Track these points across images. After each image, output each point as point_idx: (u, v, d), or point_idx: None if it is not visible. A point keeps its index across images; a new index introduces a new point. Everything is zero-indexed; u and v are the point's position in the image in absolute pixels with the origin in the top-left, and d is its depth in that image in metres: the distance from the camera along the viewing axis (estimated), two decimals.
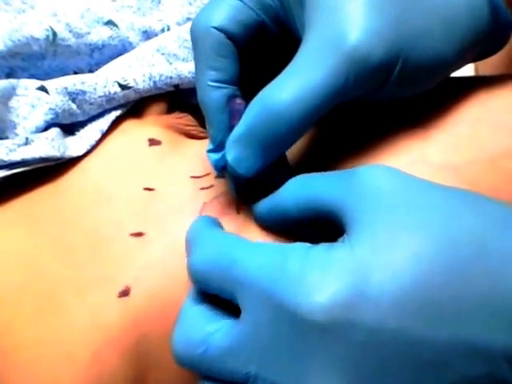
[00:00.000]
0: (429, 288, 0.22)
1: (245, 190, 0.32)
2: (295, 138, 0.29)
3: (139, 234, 0.32)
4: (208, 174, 0.34)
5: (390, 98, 0.30)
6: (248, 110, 0.29)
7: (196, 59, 0.31)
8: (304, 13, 0.29)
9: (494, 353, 0.21)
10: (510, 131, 0.30)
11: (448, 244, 0.23)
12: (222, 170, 0.31)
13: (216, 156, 0.31)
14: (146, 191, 0.34)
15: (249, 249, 0.26)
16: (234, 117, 0.30)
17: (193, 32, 0.31)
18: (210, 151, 0.31)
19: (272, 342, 0.24)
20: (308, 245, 0.25)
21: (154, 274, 0.31)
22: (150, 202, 0.33)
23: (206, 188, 0.34)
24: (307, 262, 0.23)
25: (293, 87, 0.27)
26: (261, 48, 0.32)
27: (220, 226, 0.30)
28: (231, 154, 0.29)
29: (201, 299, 0.28)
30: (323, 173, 0.28)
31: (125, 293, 0.31)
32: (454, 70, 0.31)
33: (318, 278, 0.23)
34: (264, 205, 0.30)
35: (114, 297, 0.31)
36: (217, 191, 0.34)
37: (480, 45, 0.30)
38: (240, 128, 0.29)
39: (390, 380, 0.22)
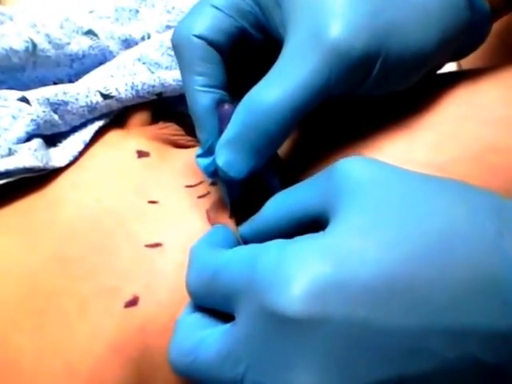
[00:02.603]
0: (398, 275, 0.22)
1: (238, 193, 0.32)
2: (283, 136, 0.29)
3: (156, 245, 0.33)
4: (202, 182, 0.35)
5: (375, 95, 0.31)
6: (236, 112, 0.29)
7: (181, 68, 0.31)
8: (283, 14, 0.29)
9: (471, 335, 0.22)
10: (495, 126, 0.31)
11: (418, 230, 0.23)
12: (212, 175, 0.31)
13: (206, 161, 0.31)
14: (151, 204, 0.34)
15: (230, 255, 0.26)
16: (222, 121, 0.30)
17: (175, 42, 0.31)
18: (199, 156, 0.31)
19: (258, 342, 0.23)
20: (284, 240, 0.25)
21: (167, 283, 0.32)
22: (157, 214, 0.34)
23: (203, 196, 0.34)
24: (282, 256, 0.23)
25: (278, 86, 0.27)
26: (245, 54, 0.33)
27: (228, 233, 0.30)
28: (222, 157, 0.29)
29: (197, 309, 0.28)
30: (299, 183, 0.28)
31: (132, 302, 0.31)
32: (436, 64, 0.31)
33: (290, 271, 0.23)
34: (246, 229, 0.30)
35: (119, 307, 0.31)
36: (213, 197, 0.34)
37: (460, 37, 0.31)
38: (229, 131, 0.29)
39: (372, 370, 0.22)
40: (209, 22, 0.30)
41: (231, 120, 0.29)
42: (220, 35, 0.30)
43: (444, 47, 0.30)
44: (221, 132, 0.30)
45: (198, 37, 0.30)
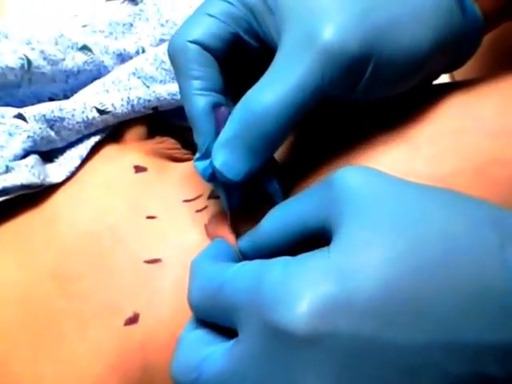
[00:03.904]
0: (402, 290, 0.22)
1: (238, 201, 0.32)
2: (280, 138, 0.29)
3: (155, 261, 0.33)
4: (200, 196, 0.35)
5: (369, 99, 0.31)
6: (232, 114, 0.29)
7: (177, 74, 0.31)
8: (276, 20, 0.29)
9: (475, 349, 0.22)
10: (494, 138, 0.31)
11: (420, 244, 0.23)
12: (210, 178, 0.31)
13: (203, 164, 0.31)
14: (149, 219, 0.34)
15: (235, 271, 0.26)
16: (219, 124, 0.30)
17: (170, 49, 0.31)
18: (197, 160, 0.31)
19: (264, 360, 0.23)
20: (289, 257, 0.25)
21: (167, 299, 0.32)
22: (155, 230, 0.34)
23: (201, 210, 0.34)
24: (286, 274, 0.23)
25: (274, 88, 0.28)
26: (241, 60, 0.33)
27: (228, 247, 0.30)
28: (219, 158, 0.29)
29: (200, 324, 0.28)
30: (297, 195, 0.28)
31: (132, 320, 0.31)
32: (430, 71, 0.31)
33: (296, 289, 0.23)
34: (246, 243, 0.30)
35: (119, 325, 0.31)
36: (212, 211, 0.34)
37: (453, 45, 0.31)
38: (225, 132, 0.29)
39: None
40: (203, 28, 0.30)
41: (228, 121, 0.29)
42: (215, 41, 0.30)
43: (437, 53, 0.30)
44: (217, 135, 0.30)
45: (193, 42, 0.30)
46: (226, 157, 0.28)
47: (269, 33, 0.30)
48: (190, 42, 0.30)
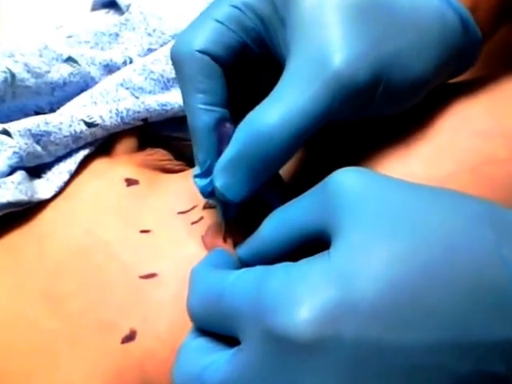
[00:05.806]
0: (405, 291, 0.22)
1: (234, 213, 0.32)
2: (284, 161, 0.28)
3: (151, 276, 0.32)
4: (194, 207, 0.34)
5: (374, 118, 0.31)
6: (236, 134, 0.28)
7: (182, 84, 0.30)
8: (286, 33, 0.29)
9: (480, 347, 0.22)
10: (488, 137, 0.31)
11: (421, 243, 0.23)
12: (209, 195, 0.30)
13: (203, 182, 0.30)
14: (144, 233, 0.33)
15: (235, 278, 0.26)
16: (222, 142, 0.30)
17: (175, 56, 0.30)
18: (196, 176, 0.30)
19: (267, 368, 0.23)
20: (290, 263, 0.24)
21: (165, 314, 0.31)
22: (150, 244, 0.33)
23: (197, 221, 0.34)
24: (288, 280, 0.23)
25: (280, 110, 0.27)
26: (246, 71, 0.32)
27: (228, 255, 0.30)
28: (220, 179, 0.28)
29: (201, 333, 0.27)
30: (294, 199, 0.28)
31: (129, 337, 0.30)
32: (431, 87, 0.31)
33: (298, 295, 0.22)
34: (244, 251, 0.29)
35: (115, 343, 0.30)
36: (208, 222, 0.34)
37: (454, 62, 0.31)
38: (229, 153, 0.28)
39: None
40: (210, 35, 0.29)
41: (231, 142, 0.29)
42: (222, 49, 0.30)
43: (441, 72, 0.30)
44: (220, 152, 0.29)
45: (201, 51, 0.29)
46: (227, 179, 0.28)
47: (277, 44, 0.30)
48: (198, 51, 0.29)
